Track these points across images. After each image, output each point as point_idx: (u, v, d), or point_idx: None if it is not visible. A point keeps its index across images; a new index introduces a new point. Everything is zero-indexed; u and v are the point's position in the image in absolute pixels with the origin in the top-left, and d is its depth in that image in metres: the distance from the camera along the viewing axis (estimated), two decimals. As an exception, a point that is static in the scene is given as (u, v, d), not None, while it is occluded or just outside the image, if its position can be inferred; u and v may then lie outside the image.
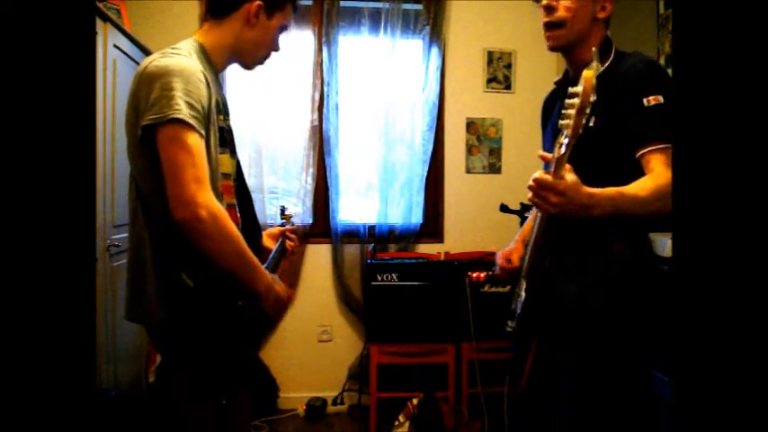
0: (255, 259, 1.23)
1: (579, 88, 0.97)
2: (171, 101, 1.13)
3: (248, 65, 1.40)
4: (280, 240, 1.59)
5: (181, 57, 1.22)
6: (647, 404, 1.30)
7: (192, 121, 1.14)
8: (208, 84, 1.22)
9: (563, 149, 1.04)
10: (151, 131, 1.15)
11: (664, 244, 2.02)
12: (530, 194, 1.12)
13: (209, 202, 1.12)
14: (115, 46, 2.34)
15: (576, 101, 0.97)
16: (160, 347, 1.34)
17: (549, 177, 1.07)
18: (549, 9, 1.32)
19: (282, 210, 1.83)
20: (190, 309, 1.20)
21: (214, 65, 1.33)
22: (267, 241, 1.58)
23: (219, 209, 1.15)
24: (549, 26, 1.34)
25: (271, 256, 1.52)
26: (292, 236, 1.64)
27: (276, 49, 1.41)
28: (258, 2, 1.30)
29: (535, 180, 1.09)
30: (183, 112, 1.13)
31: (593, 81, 0.96)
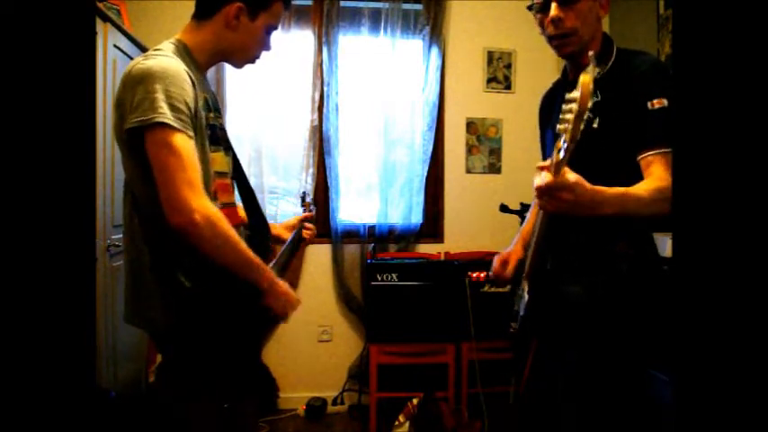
0: (254, 256, 1.22)
1: (577, 94, 0.94)
2: (153, 103, 1.11)
3: (236, 64, 1.39)
4: (295, 230, 1.61)
5: (163, 57, 1.20)
6: (654, 405, 1.30)
7: (176, 123, 1.12)
8: (193, 83, 1.20)
9: (562, 154, 1.00)
10: (137, 135, 1.13)
11: (664, 244, 2.02)
12: (536, 200, 1.08)
13: (202, 206, 1.12)
14: (115, 46, 2.34)
15: (573, 106, 0.95)
16: (164, 350, 1.33)
17: (552, 179, 1.04)
18: (557, 21, 1.28)
19: (303, 197, 1.86)
20: (193, 311, 1.19)
21: (198, 64, 1.31)
22: (284, 232, 1.59)
23: (214, 211, 1.14)
24: (558, 37, 1.30)
25: (284, 247, 1.53)
26: (309, 225, 1.66)
27: (267, 48, 1.38)
28: (238, 4, 1.27)
29: (542, 186, 1.04)
30: (167, 114, 1.11)
31: (591, 86, 0.93)
